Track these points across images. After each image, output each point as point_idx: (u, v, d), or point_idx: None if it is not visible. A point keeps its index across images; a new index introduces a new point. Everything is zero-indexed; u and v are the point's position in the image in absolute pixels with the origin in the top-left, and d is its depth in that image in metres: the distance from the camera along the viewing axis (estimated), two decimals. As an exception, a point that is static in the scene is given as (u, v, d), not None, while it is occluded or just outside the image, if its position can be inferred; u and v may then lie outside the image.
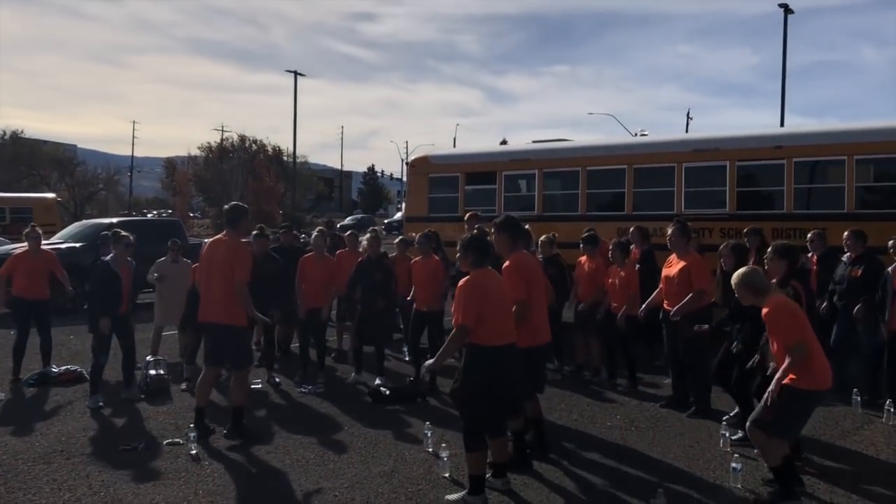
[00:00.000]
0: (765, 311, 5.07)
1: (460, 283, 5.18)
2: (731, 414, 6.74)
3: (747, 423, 5.21)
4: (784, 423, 5.00)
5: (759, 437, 5.08)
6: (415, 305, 8.58)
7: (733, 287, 5.29)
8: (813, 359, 4.97)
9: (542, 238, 9.23)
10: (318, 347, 8.98)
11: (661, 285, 7.59)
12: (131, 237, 8.14)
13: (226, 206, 6.92)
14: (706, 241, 10.04)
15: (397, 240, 10.19)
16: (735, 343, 6.33)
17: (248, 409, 7.40)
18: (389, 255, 9.56)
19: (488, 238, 5.44)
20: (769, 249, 6.01)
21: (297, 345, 9.41)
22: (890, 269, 7.59)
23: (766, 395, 5.03)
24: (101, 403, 7.64)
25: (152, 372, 8.28)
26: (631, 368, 8.48)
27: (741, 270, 5.30)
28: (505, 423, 5.40)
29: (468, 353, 5.12)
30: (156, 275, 9.34)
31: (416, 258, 8.75)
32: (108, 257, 7.99)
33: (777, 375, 5.00)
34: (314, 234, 9.45)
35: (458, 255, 5.35)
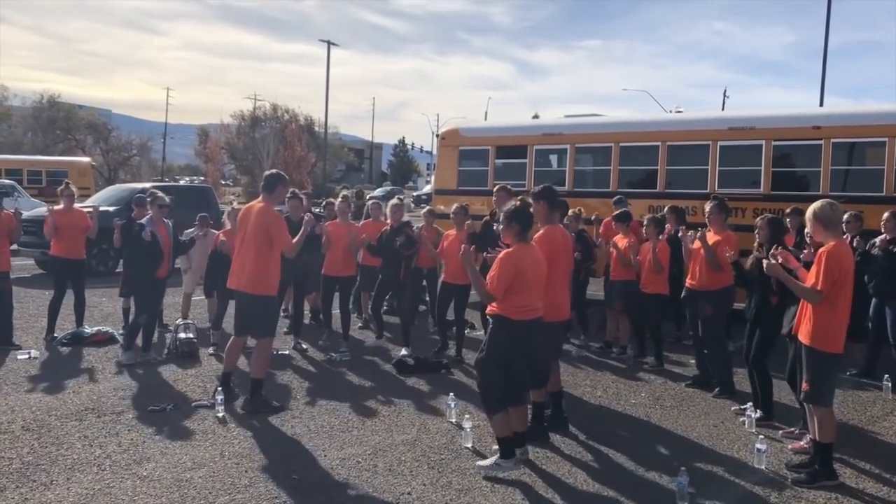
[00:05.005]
0: (823, 249, 5.01)
1: (501, 254, 5.15)
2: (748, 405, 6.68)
3: (804, 401, 5.26)
4: (822, 387, 5.06)
5: (819, 412, 5.10)
6: (443, 277, 8.59)
7: (808, 217, 5.16)
8: (833, 319, 5.00)
9: (570, 213, 9.15)
10: (341, 315, 9.03)
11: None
12: (167, 198, 8.25)
13: (266, 173, 6.94)
14: (739, 221, 9.89)
15: (424, 210, 10.13)
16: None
17: (275, 375, 7.52)
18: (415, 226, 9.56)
19: (530, 209, 5.36)
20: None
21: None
22: None
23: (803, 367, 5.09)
24: (133, 361, 7.80)
25: (182, 335, 8.40)
26: (658, 347, 8.43)
27: (820, 202, 5.18)
28: (526, 393, 5.41)
29: (494, 324, 5.14)
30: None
31: (450, 230, 8.73)
32: (146, 219, 8.11)
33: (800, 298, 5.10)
34: (338, 200, 9.41)
35: (501, 226, 5.30)
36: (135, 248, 8.16)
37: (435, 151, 20.93)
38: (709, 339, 7.31)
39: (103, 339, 8.86)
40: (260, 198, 6.69)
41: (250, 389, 6.53)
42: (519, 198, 5.51)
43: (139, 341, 8.14)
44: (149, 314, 8.17)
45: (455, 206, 8.89)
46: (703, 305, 7.24)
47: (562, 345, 6.57)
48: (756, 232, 6.61)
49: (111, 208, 15.12)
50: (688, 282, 7.45)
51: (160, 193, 8.32)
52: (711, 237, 7.27)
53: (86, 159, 34.40)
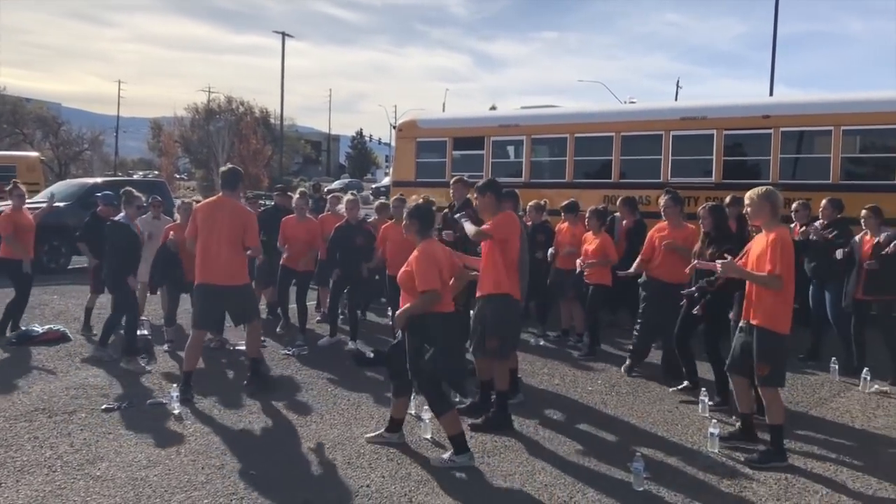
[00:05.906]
0: (772, 235, 5.13)
1: (415, 252, 5.22)
2: (681, 387, 6.97)
3: (759, 386, 5.33)
4: (780, 369, 5.24)
5: (770, 394, 5.27)
6: (388, 270, 8.51)
7: (752, 199, 5.27)
8: (784, 301, 5.18)
9: (532, 203, 9.20)
10: (298, 308, 8.96)
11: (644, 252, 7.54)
12: (143, 198, 8.21)
13: (223, 169, 6.89)
14: (692, 210, 10.04)
15: (376, 204, 10.12)
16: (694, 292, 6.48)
17: (228, 371, 7.45)
18: (369, 220, 9.54)
19: (433, 207, 5.55)
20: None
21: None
22: (857, 237, 7.71)
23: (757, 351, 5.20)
24: (146, 367, 7.65)
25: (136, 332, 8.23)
26: (594, 334, 8.47)
27: (767, 187, 5.35)
28: (437, 388, 5.33)
29: (412, 323, 5.14)
30: (147, 234, 9.22)
31: (389, 222, 8.69)
32: (121, 216, 7.95)
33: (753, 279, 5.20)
34: (296, 196, 9.35)
35: (404, 223, 5.43)
36: (117, 246, 7.89)
37: (393, 143, 20.87)
38: (664, 329, 7.38)
39: (54, 338, 8.65)
40: (221, 193, 6.67)
41: (250, 368, 6.82)
42: (422, 196, 5.64)
43: (96, 333, 8.02)
44: (130, 312, 7.95)
45: (393, 198, 8.91)
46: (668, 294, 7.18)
47: (519, 328, 6.55)
48: (700, 221, 6.72)
49: (61, 203, 14.79)
50: (654, 270, 7.37)
51: (136, 193, 8.16)
52: (669, 231, 7.28)
53: (34, 154, 33.48)
